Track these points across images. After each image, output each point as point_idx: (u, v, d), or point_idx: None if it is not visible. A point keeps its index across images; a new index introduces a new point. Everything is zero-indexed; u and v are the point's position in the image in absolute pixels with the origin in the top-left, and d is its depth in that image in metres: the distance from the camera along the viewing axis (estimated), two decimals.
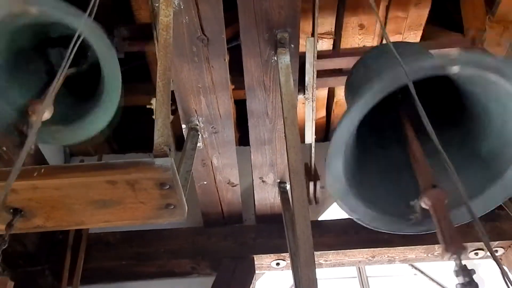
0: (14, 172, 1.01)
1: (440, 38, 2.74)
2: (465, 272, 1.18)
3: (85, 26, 1.39)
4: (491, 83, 1.51)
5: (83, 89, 1.98)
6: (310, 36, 2.42)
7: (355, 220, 1.77)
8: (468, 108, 1.76)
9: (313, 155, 2.53)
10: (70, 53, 1.25)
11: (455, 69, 1.45)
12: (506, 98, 1.52)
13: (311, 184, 2.53)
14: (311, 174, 2.53)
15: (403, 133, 1.77)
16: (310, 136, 2.38)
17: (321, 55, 2.38)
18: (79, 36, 1.29)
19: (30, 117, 1.60)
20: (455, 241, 1.29)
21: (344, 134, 1.55)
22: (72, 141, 2.00)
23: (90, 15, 1.38)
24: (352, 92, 2.06)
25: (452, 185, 1.46)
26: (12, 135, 1.73)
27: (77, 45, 1.28)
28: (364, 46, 2.75)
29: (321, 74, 2.45)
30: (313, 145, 2.47)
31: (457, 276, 1.20)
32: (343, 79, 2.29)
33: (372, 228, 1.81)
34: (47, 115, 1.66)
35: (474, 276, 1.18)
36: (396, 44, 1.98)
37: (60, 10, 1.62)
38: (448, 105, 1.90)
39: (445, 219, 1.39)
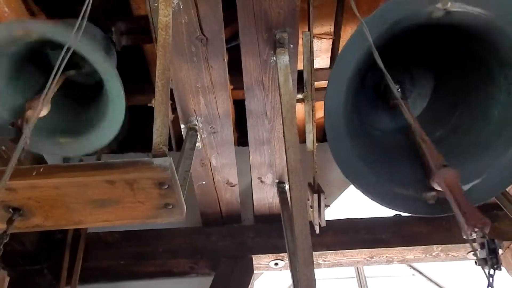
0: (9, 169, 1.02)
1: None
2: (490, 243, 1.15)
3: (76, 42, 1.40)
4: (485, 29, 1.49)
5: (90, 102, 2.00)
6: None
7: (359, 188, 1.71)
8: (472, 83, 1.75)
9: (315, 166, 2.32)
10: (60, 66, 1.26)
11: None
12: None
13: (315, 197, 2.08)
14: (313, 189, 2.26)
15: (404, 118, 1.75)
16: (311, 142, 2.21)
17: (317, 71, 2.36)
18: (68, 49, 1.30)
19: (26, 113, 1.61)
20: (476, 214, 1.25)
21: (337, 90, 1.57)
22: (80, 152, 2.02)
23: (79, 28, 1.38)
24: None
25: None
26: (11, 135, 1.74)
27: (66, 58, 1.29)
28: None
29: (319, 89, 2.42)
30: (314, 151, 2.33)
31: (481, 248, 1.16)
32: None
33: (378, 202, 1.75)
34: (44, 111, 1.67)
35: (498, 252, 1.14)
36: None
37: (51, 31, 1.66)
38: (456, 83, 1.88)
39: (461, 195, 1.36)
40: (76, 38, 1.41)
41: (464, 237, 1.24)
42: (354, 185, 1.72)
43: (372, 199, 1.73)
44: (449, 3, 1.43)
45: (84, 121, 2.00)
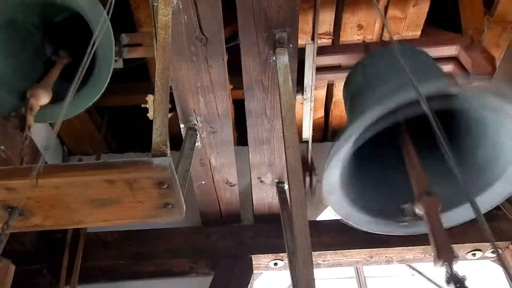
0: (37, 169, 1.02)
1: (439, 38, 2.73)
2: (456, 279, 1.20)
3: (103, 24, 1.38)
4: (489, 115, 1.55)
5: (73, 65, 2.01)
6: (310, 37, 2.43)
7: (349, 225, 1.79)
8: (462, 121, 1.77)
9: (310, 149, 2.51)
10: (87, 60, 1.23)
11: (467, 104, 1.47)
12: (505, 117, 1.53)
13: (308, 177, 2.56)
14: (308, 169, 2.52)
15: (400, 139, 1.78)
16: (307, 132, 2.37)
17: (319, 51, 2.38)
18: (94, 43, 1.28)
19: (29, 101, 1.62)
20: (447, 248, 1.32)
21: (342, 154, 1.57)
22: (68, 115, 2.03)
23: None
24: (351, 101, 2.05)
25: (448, 188, 1.47)
26: (11, 118, 1.75)
27: (92, 53, 1.26)
28: (363, 41, 2.74)
29: (320, 70, 2.44)
30: (310, 139, 2.45)
31: (447, 283, 1.22)
32: (342, 75, 2.28)
33: (365, 230, 1.83)
34: (46, 99, 1.68)
35: (466, 283, 1.19)
36: (400, 48, 1.96)
37: None
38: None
39: (438, 226, 1.42)
40: None
41: (435, 266, 1.31)
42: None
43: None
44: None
45: (66, 85, 2.02)
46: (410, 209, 1.53)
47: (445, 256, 1.28)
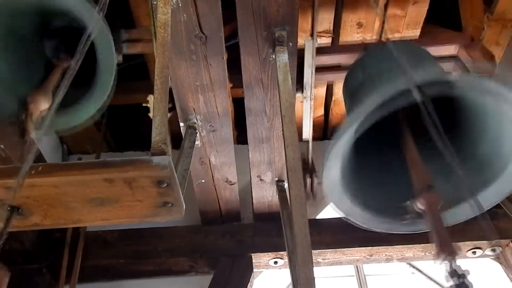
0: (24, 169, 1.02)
1: (439, 36, 2.73)
2: (457, 275, 1.20)
3: (96, 23, 1.36)
4: (490, 104, 1.54)
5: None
6: (309, 35, 2.43)
7: (350, 222, 1.80)
8: (464, 115, 1.77)
9: (310, 150, 2.51)
10: (81, 52, 1.22)
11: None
12: (506, 105, 1.52)
13: (308, 179, 2.55)
14: (308, 169, 2.53)
15: (400, 135, 1.78)
16: (308, 132, 2.36)
17: (319, 51, 2.37)
18: (89, 36, 1.26)
19: (29, 107, 1.61)
20: (448, 245, 1.32)
21: (342, 144, 1.57)
22: (65, 126, 2.00)
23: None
24: (350, 98, 2.05)
25: (448, 186, 1.47)
26: (12, 125, 1.75)
27: (87, 46, 1.25)
28: (362, 41, 2.74)
29: (319, 70, 2.44)
30: (310, 140, 2.45)
31: (449, 279, 1.23)
32: (342, 74, 2.28)
33: (366, 228, 1.83)
34: (46, 104, 1.67)
35: (467, 278, 1.20)
36: (396, 44, 1.96)
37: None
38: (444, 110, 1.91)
39: (439, 222, 1.42)
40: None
41: (436, 262, 1.33)
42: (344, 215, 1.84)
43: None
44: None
45: (68, 93, 2.01)
46: (412, 207, 1.53)
47: (446, 251, 1.29)
